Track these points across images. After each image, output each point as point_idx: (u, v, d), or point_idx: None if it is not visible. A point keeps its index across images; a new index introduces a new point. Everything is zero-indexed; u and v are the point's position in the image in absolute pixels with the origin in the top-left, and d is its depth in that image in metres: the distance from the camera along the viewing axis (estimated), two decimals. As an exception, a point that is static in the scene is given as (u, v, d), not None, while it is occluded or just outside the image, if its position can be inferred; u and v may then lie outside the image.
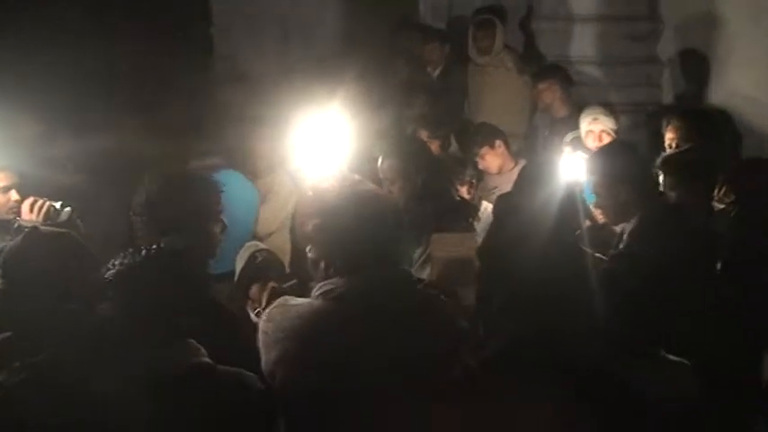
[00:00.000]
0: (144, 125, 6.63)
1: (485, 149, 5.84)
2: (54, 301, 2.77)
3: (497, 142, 5.87)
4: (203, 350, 2.59)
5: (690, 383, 2.63)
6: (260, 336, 2.73)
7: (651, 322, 2.64)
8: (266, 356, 2.69)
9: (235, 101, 7.06)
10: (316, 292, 2.70)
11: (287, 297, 2.79)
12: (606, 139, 5.60)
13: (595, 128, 5.73)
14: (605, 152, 4.35)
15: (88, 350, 2.48)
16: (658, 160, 4.48)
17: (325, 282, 2.70)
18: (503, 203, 3.63)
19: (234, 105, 6.91)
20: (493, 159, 5.85)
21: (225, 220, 3.24)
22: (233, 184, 5.40)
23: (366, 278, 2.66)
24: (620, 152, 4.17)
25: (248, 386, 2.59)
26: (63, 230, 3.10)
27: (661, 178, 4.53)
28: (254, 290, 3.72)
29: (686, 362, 2.66)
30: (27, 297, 2.80)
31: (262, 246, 3.96)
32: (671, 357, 2.65)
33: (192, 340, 2.59)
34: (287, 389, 2.65)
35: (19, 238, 2.88)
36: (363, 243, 2.68)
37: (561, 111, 6.53)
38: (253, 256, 3.75)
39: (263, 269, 3.70)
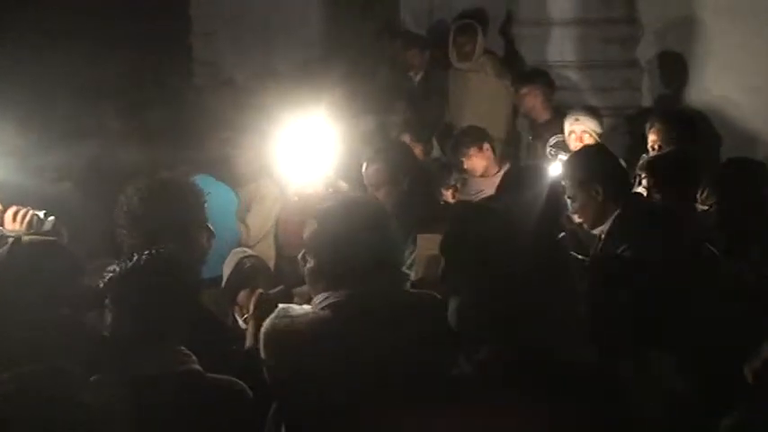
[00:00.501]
0: (127, 133, 6.61)
1: (472, 150, 5.86)
2: (42, 309, 2.75)
3: (485, 145, 5.91)
4: (194, 357, 2.59)
5: (675, 381, 2.64)
6: (262, 347, 2.71)
7: (633, 322, 2.65)
8: (269, 367, 2.69)
9: (218, 107, 7.06)
10: (318, 302, 2.70)
11: (287, 307, 2.76)
12: (588, 140, 5.63)
13: (577, 128, 5.76)
14: (580, 154, 4.39)
15: (77, 360, 2.47)
16: (642, 162, 4.52)
17: (328, 293, 2.69)
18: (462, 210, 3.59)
19: (217, 111, 6.90)
20: (479, 162, 5.87)
21: (211, 227, 3.22)
22: (208, 189, 5.41)
23: (366, 285, 2.67)
24: (594, 153, 4.21)
25: (237, 394, 2.60)
26: (48, 238, 3.08)
27: (645, 181, 4.57)
28: (241, 296, 3.71)
29: (671, 359, 2.67)
30: (15, 306, 2.78)
31: (250, 252, 3.96)
32: (656, 355, 2.66)
33: (183, 347, 2.59)
34: (290, 399, 2.66)
35: (4, 249, 2.85)
36: (360, 249, 2.69)
37: (543, 115, 6.56)
38: (241, 263, 3.75)
39: (251, 275, 3.70)
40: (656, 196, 4.33)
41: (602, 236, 3.97)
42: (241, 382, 2.64)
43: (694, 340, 3.11)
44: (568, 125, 5.83)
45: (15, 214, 3.78)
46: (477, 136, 5.96)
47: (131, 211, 3.09)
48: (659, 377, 2.64)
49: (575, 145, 5.63)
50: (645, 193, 4.64)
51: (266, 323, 2.72)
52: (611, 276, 2.79)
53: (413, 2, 8.13)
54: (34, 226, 3.78)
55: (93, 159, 5.21)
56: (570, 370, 2.38)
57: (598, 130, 5.76)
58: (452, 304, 2.28)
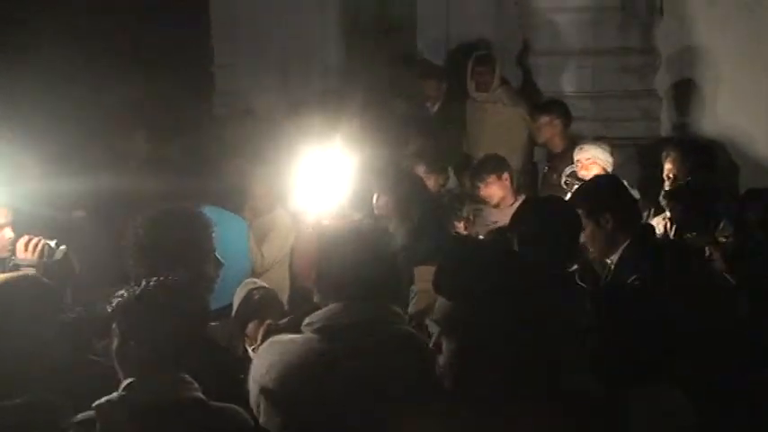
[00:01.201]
0: (145, 162, 6.68)
1: (492, 178, 5.83)
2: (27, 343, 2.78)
3: (505, 174, 5.89)
4: (196, 385, 2.60)
5: (686, 411, 2.60)
6: (250, 372, 2.74)
7: (643, 351, 2.62)
8: (252, 391, 2.71)
9: (235, 137, 7.11)
10: (303, 324, 2.72)
11: (279, 335, 2.78)
12: (594, 168, 5.58)
13: (582, 157, 5.73)
14: (589, 183, 4.36)
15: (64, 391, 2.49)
16: (664, 192, 4.50)
17: (312, 314, 2.72)
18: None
19: (234, 142, 6.95)
20: (497, 190, 5.83)
21: (219, 257, 3.23)
22: (222, 220, 5.43)
23: (346, 311, 2.67)
24: (603, 182, 4.18)
25: (239, 422, 2.59)
26: (22, 273, 3.09)
27: (668, 211, 4.55)
28: (250, 327, 3.70)
29: (681, 389, 2.64)
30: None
31: (260, 283, 3.94)
32: (666, 386, 2.62)
33: (186, 375, 2.60)
34: (268, 423, 2.66)
35: None
36: (348, 274, 2.68)
37: (560, 145, 6.53)
38: (250, 294, 3.73)
39: (260, 307, 3.68)
40: (675, 225, 4.31)
41: (612, 266, 3.95)
42: (243, 411, 2.63)
43: (706, 372, 3.09)
44: (575, 155, 5.81)
45: (27, 243, 3.81)
46: (497, 164, 5.94)
47: (138, 240, 3.10)
48: (670, 411, 2.59)
49: (582, 174, 5.60)
50: (666, 224, 4.63)
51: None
52: (618, 307, 2.75)
53: (429, 32, 8.17)
54: (45, 255, 3.81)
55: (109, 189, 5.24)
56: (575, 403, 2.33)
57: (603, 157, 5.70)
58: (447, 345, 2.26)
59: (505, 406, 2.16)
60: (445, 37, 8.07)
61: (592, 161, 5.66)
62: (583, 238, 4.06)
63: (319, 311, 2.72)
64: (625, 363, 2.59)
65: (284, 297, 5.02)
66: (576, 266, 3.64)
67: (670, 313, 2.80)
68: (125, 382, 2.55)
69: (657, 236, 4.38)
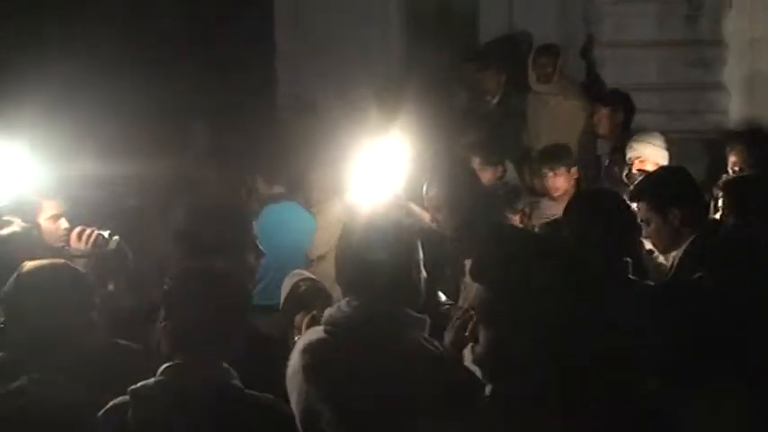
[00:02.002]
0: (209, 153, 6.77)
1: (561, 170, 5.78)
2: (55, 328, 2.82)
3: (574, 169, 5.84)
4: (234, 372, 2.60)
5: (744, 415, 2.51)
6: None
7: (705, 350, 2.53)
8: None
9: (297, 130, 7.16)
10: (326, 314, 2.72)
11: (317, 327, 2.78)
12: (646, 166, 5.44)
13: (632, 155, 5.62)
14: (656, 175, 4.24)
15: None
16: (719, 183, 4.38)
17: (328, 309, 2.71)
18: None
19: (296, 134, 7.01)
20: (563, 183, 5.77)
21: (260, 247, 3.23)
22: (293, 215, 5.51)
23: (353, 309, 2.64)
24: (671, 175, 4.06)
25: (275, 412, 2.59)
26: (57, 261, 3.13)
27: (720, 202, 4.41)
28: (298, 319, 3.71)
29: (746, 394, 2.55)
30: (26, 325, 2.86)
31: (306, 274, 3.95)
32: (724, 387, 2.53)
33: (224, 363, 2.61)
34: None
35: (14, 275, 2.92)
36: (360, 271, 2.65)
37: (622, 138, 6.40)
38: (296, 285, 3.74)
39: (307, 298, 3.69)
40: (730, 219, 4.16)
41: (675, 261, 3.85)
42: (280, 402, 2.63)
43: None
44: (627, 152, 5.69)
45: (81, 234, 3.86)
46: (568, 156, 5.91)
47: (178, 227, 3.13)
48: (733, 414, 2.50)
49: (636, 173, 5.46)
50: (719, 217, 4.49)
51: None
52: (683, 305, 2.66)
53: (491, 26, 8.09)
54: (99, 245, 3.86)
55: (167, 178, 5.32)
56: (629, 404, 2.27)
57: (654, 153, 5.55)
58: (483, 334, 2.20)
59: (537, 401, 2.12)
60: (507, 30, 7.99)
61: (642, 159, 5.53)
62: (645, 233, 3.97)
63: (333, 308, 2.71)
64: (686, 362, 2.52)
65: (334, 287, 5.02)
66: (629, 260, 3.54)
67: (735, 311, 2.72)
68: (161, 368, 2.56)
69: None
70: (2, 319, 2.95)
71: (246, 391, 2.58)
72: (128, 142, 5.86)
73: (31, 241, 3.63)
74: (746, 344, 2.73)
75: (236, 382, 2.58)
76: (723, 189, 4.46)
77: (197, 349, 2.58)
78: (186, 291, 2.65)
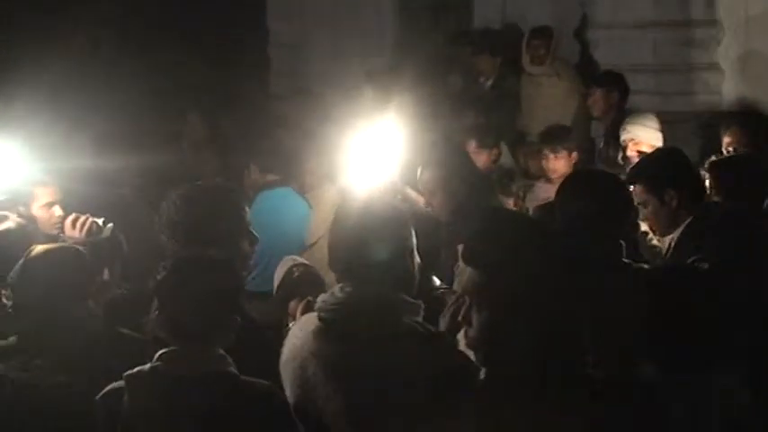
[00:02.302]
0: (198, 142, 6.75)
1: (563, 153, 5.75)
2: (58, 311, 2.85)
3: (575, 153, 5.81)
4: (229, 359, 2.61)
5: (742, 400, 2.51)
6: None
7: (699, 337, 2.52)
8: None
9: (290, 115, 7.15)
10: (319, 300, 2.72)
11: (311, 313, 2.77)
12: (641, 147, 5.43)
13: (626, 137, 5.58)
14: (653, 157, 4.22)
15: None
16: (706, 163, 4.35)
17: (321, 295, 2.71)
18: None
19: (289, 119, 7.00)
20: (563, 166, 5.72)
21: (254, 233, 3.22)
22: (287, 201, 5.50)
23: (346, 295, 2.63)
24: (668, 156, 4.05)
25: (269, 398, 2.59)
26: (65, 245, 3.15)
27: (707, 182, 4.40)
28: (292, 305, 3.70)
29: (738, 377, 2.55)
30: (33, 310, 2.90)
31: (300, 260, 3.94)
32: (720, 373, 2.52)
33: (220, 349, 2.61)
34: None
35: (22, 259, 2.94)
36: (352, 254, 2.64)
37: (616, 119, 6.38)
38: (290, 271, 3.74)
39: (301, 284, 3.68)
40: (715, 198, 4.15)
41: (673, 243, 3.83)
42: (276, 388, 2.64)
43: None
44: (621, 135, 5.67)
45: (75, 221, 3.86)
46: (570, 139, 5.88)
47: (170, 216, 3.11)
48: (730, 399, 2.50)
49: (630, 154, 5.44)
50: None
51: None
52: (680, 288, 2.65)
53: (485, 9, 8.07)
54: (93, 233, 3.86)
55: (165, 164, 5.30)
56: (617, 385, 2.27)
57: (648, 135, 5.51)
58: (477, 317, 2.20)
59: (534, 384, 2.12)
60: (501, 12, 7.98)
61: (636, 141, 5.50)
62: (642, 215, 3.95)
63: (326, 294, 2.70)
64: (682, 347, 2.50)
65: (332, 274, 5.02)
66: (622, 243, 3.52)
67: (732, 294, 2.72)
68: (157, 355, 2.57)
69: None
70: (10, 303, 2.97)
71: (242, 377, 2.58)
72: (121, 132, 5.84)
73: (26, 238, 3.62)
74: (743, 327, 2.74)
75: (232, 368, 2.58)
76: (710, 170, 4.44)
77: (192, 336, 2.59)
78: (180, 279, 2.65)
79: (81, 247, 3.19)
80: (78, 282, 2.96)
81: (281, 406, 2.60)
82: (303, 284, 3.64)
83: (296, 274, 3.69)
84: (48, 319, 2.88)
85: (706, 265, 3.32)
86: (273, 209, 5.21)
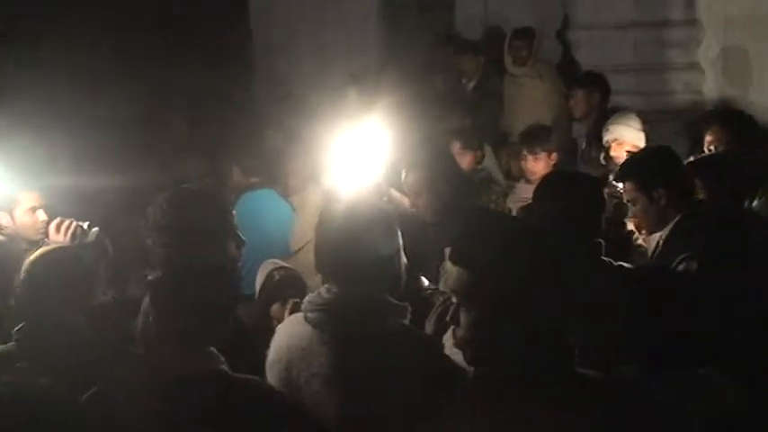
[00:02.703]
0: (181, 147, 6.74)
1: (541, 155, 5.69)
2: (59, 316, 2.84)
3: (554, 155, 5.77)
4: (222, 358, 2.60)
5: (729, 398, 2.52)
6: None
7: (687, 334, 2.53)
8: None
9: (274, 117, 7.14)
10: (306, 301, 2.73)
11: (297, 314, 2.78)
12: (625, 147, 5.45)
13: (609, 138, 5.59)
14: (642, 156, 4.23)
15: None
16: (687, 162, 4.37)
17: (314, 295, 2.72)
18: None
19: (273, 121, 6.99)
20: (541, 168, 5.63)
21: (241, 236, 3.22)
22: (270, 203, 5.49)
23: (332, 296, 2.64)
24: (657, 155, 4.05)
25: (263, 392, 2.60)
26: (64, 247, 3.15)
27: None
28: (274, 308, 3.71)
29: (726, 376, 2.55)
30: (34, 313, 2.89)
31: (280, 263, 3.93)
32: (709, 372, 2.54)
33: (212, 349, 2.61)
34: None
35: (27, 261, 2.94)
36: (338, 256, 2.65)
37: (598, 120, 6.41)
38: (270, 275, 3.72)
39: (282, 287, 3.67)
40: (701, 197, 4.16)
41: (661, 242, 3.83)
42: (269, 384, 2.65)
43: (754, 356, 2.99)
44: (603, 135, 5.68)
45: (59, 225, 3.84)
46: (550, 140, 5.83)
47: (156, 220, 3.11)
48: (715, 399, 2.51)
49: (613, 155, 5.45)
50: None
51: None
52: (666, 287, 2.66)
53: (468, 9, 8.11)
54: (78, 237, 3.85)
55: (144, 173, 5.28)
56: (601, 386, 2.27)
57: (631, 135, 5.52)
58: (465, 316, 2.21)
59: (522, 383, 2.13)
60: (483, 13, 8.01)
61: (620, 141, 5.51)
62: (630, 213, 3.96)
63: (313, 294, 2.71)
64: (668, 345, 2.51)
65: (317, 278, 5.02)
66: (601, 241, 3.54)
67: (721, 293, 2.73)
68: (147, 355, 2.59)
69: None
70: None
71: (234, 374, 2.58)
72: (104, 138, 5.83)
73: (10, 255, 3.62)
74: (732, 326, 2.76)
75: (224, 366, 2.58)
76: (690, 169, 4.46)
77: (187, 339, 2.58)
78: (177, 283, 2.64)
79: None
80: (76, 284, 2.94)
81: (276, 399, 2.61)
82: (284, 287, 3.64)
83: (276, 277, 3.68)
84: (37, 321, 2.88)
85: (695, 264, 3.35)
86: (256, 211, 5.20)
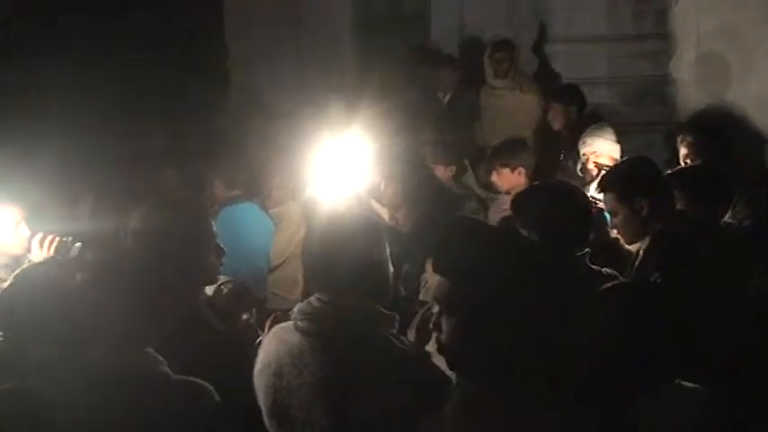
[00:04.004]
0: (159, 157, 6.73)
1: (519, 169, 5.57)
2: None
3: (522, 169, 5.59)
4: (161, 359, 2.60)
5: (705, 409, 2.55)
6: None
7: (665, 349, 2.55)
8: None
9: (252, 131, 7.14)
10: (295, 311, 2.76)
11: (284, 323, 2.81)
12: (601, 159, 5.48)
13: (586, 150, 5.61)
14: (624, 166, 4.27)
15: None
16: (666, 174, 4.42)
17: (302, 304, 2.74)
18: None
19: (251, 135, 6.99)
20: (515, 182, 5.52)
21: (221, 246, 3.25)
22: (251, 216, 5.49)
23: (322, 306, 2.67)
24: (639, 166, 4.07)
25: (200, 396, 2.58)
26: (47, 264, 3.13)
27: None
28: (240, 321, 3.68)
29: (702, 388, 2.57)
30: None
31: (225, 278, 3.89)
32: (685, 384, 2.55)
33: (152, 351, 2.61)
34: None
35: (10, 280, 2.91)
36: (325, 267, 2.68)
37: (575, 132, 6.47)
38: (218, 290, 3.69)
39: (228, 300, 3.64)
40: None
41: (640, 252, 3.87)
42: (210, 388, 2.61)
43: (727, 367, 3.03)
44: (579, 148, 5.71)
45: (42, 240, 3.84)
46: (511, 155, 5.67)
47: (134, 230, 3.15)
48: (688, 404, 2.54)
49: (590, 168, 5.49)
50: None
51: None
52: (645, 302, 2.64)
53: (443, 21, 8.16)
54: (61, 251, 3.85)
55: (123, 184, 5.29)
56: (582, 396, 2.31)
57: (607, 147, 5.58)
58: (447, 323, 2.25)
59: (505, 389, 2.16)
60: (459, 26, 8.06)
61: (597, 154, 5.55)
62: (612, 223, 3.99)
63: (303, 303, 2.74)
64: (641, 360, 2.52)
65: (298, 291, 5.04)
66: (587, 250, 3.59)
67: (688, 311, 2.75)
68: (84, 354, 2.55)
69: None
70: None
71: (174, 376, 2.57)
72: (82, 149, 5.81)
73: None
74: (701, 345, 2.78)
75: (164, 368, 2.57)
76: (671, 180, 4.50)
77: (120, 338, 2.56)
78: (110, 284, 2.61)
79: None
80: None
81: (214, 404, 2.58)
82: (234, 301, 3.61)
83: (224, 291, 3.66)
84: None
85: (669, 280, 3.39)
86: (239, 224, 5.20)
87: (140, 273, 2.68)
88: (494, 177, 5.67)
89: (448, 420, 2.24)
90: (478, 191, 6.11)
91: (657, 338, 2.52)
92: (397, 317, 2.73)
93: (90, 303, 2.58)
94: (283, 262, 5.17)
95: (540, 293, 2.26)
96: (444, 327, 2.25)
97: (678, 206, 4.03)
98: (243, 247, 4.95)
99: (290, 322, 2.74)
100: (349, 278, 2.65)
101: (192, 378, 2.60)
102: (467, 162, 6.34)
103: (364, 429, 2.53)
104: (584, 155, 5.66)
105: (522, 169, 5.60)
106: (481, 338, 2.20)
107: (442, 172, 5.64)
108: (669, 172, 4.44)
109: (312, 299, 2.71)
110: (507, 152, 5.72)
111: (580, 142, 5.75)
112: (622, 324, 2.56)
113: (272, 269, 5.14)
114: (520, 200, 3.72)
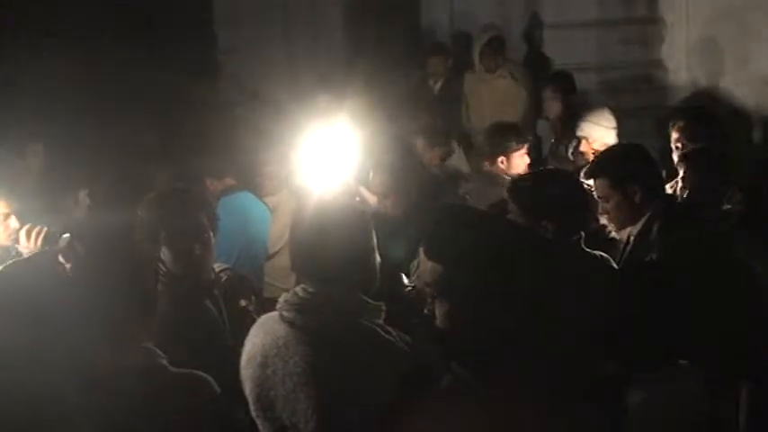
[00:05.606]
0: (155, 146, 6.71)
1: (520, 152, 5.48)
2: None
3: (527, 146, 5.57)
4: (159, 352, 2.58)
5: (701, 395, 2.55)
6: None
7: (659, 334, 2.54)
8: None
9: (242, 119, 7.13)
10: (281, 300, 2.74)
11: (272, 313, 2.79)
12: (595, 145, 5.49)
13: (581, 135, 5.64)
14: (616, 152, 4.26)
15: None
16: (679, 155, 4.41)
17: (290, 294, 2.72)
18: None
19: (242, 124, 6.97)
20: (522, 163, 5.47)
21: (210, 238, 3.24)
22: (251, 205, 5.48)
23: (307, 296, 2.66)
24: (631, 151, 4.07)
25: (200, 387, 2.57)
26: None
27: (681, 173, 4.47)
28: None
29: (696, 373, 2.57)
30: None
31: (224, 266, 3.88)
32: (680, 369, 2.54)
33: (150, 344, 2.59)
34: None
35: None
36: (311, 256, 2.67)
37: (565, 117, 6.48)
38: (217, 276, 3.68)
39: (231, 287, 3.62)
40: (687, 191, 4.23)
41: (632, 238, 3.87)
42: (209, 379, 2.60)
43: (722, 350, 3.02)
44: (577, 132, 5.69)
45: (30, 231, 3.82)
46: (523, 135, 5.65)
47: (140, 219, 3.17)
48: (684, 390, 2.54)
49: (584, 150, 5.50)
50: (676, 188, 4.56)
51: None
52: (643, 284, 2.65)
53: (434, 9, 8.14)
54: (49, 242, 3.82)
55: (120, 173, 5.27)
56: (582, 380, 2.30)
57: (601, 133, 5.57)
58: (440, 308, 2.24)
59: (495, 372, 2.15)
60: (448, 13, 8.04)
61: (591, 140, 5.55)
62: (602, 209, 3.99)
63: (289, 293, 2.72)
64: (639, 345, 2.51)
65: (292, 280, 5.01)
66: (582, 234, 3.58)
67: (686, 296, 2.75)
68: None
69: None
70: None
71: (171, 368, 2.56)
72: (72, 143, 5.79)
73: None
74: (695, 329, 2.78)
75: (162, 361, 2.56)
76: (682, 161, 4.52)
77: (120, 333, 2.54)
78: (104, 275, 2.60)
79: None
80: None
81: (213, 396, 2.58)
82: (233, 287, 3.60)
83: (223, 278, 3.64)
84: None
85: (662, 265, 3.39)
86: (240, 213, 5.18)
87: (133, 264, 2.66)
88: (511, 161, 5.48)
89: (436, 412, 2.23)
90: (467, 174, 6.07)
91: (656, 320, 2.51)
92: (384, 307, 2.71)
93: (81, 295, 2.56)
94: (278, 251, 5.14)
95: (531, 278, 2.25)
96: (437, 312, 2.24)
97: (687, 186, 4.01)
98: (247, 235, 4.96)
99: (276, 312, 2.72)
100: (335, 268, 2.63)
101: (190, 370, 2.58)
102: (457, 148, 6.32)
103: (350, 420, 2.51)
104: (577, 139, 5.67)
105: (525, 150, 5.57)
106: (471, 324, 2.19)
107: (433, 155, 5.63)
108: (682, 152, 4.41)
109: (298, 289, 2.69)
110: (516, 134, 5.59)
111: (577, 127, 5.74)
112: (621, 306, 2.55)
113: (267, 258, 5.12)
114: (511, 188, 3.71)
